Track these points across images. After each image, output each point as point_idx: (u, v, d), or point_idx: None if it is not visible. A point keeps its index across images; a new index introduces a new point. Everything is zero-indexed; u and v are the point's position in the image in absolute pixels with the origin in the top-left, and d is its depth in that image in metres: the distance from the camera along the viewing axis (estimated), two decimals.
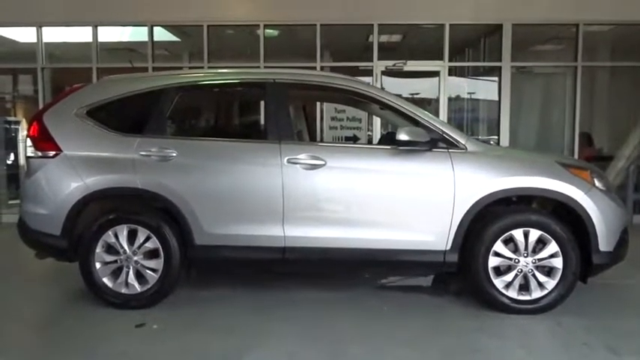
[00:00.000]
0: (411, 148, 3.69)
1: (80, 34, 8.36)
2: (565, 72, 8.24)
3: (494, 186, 3.66)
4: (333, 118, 8.24)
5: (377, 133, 8.18)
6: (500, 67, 7.96)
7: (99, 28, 8.13)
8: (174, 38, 8.93)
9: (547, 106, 8.66)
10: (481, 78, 9.08)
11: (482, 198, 3.66)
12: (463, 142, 3.78)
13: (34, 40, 8.13)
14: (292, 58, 8.87)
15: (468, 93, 9.07)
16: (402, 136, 3.64)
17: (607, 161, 8.64)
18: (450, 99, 8.24)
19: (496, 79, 8.11)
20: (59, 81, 8.32)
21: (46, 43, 8.21)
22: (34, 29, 8.10)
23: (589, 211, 3.64)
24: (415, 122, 3.83)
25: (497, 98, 8.08)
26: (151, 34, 8.10)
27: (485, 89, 8.92)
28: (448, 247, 3.71)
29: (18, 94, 9.96)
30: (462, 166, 3.69)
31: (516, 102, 8.13)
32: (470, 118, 9.22)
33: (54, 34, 8.40)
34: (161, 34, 8.44)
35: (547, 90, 8.61)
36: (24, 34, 8.35)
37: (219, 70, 4.48)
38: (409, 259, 3.78)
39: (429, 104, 8.50)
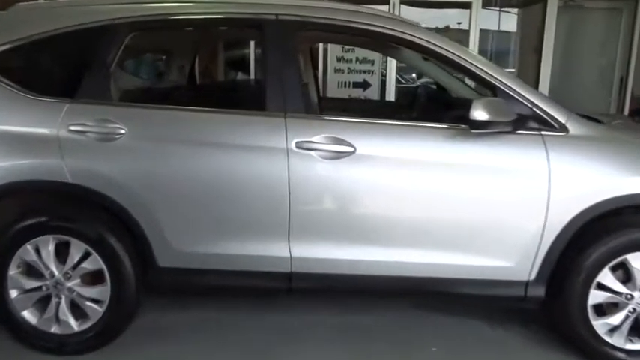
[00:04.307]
0: (489, 131, 2.42)
1: None
2: (621, 7, 6.91)
3: (614, 189, 2.45)
4: (338, 59, 6.84)
5: (391, 77, 6.83)
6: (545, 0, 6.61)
7: None
8: None
9: (596, 49, 7.35)
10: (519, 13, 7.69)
11: (593, 207, 2.45)
12: (563, 121, 2.52)
13: None
14: None
15: (503, 31, 7.70)
16: (480, 115, 2.34)
17: None
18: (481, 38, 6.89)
19: (538, 15, 6.77)
20: None
21: None
22: None
23: None
24: (490, 87, 2.55)
25: (537, 39, 6.77)
26: None
27: (523, 26, 7.54)
28: (532, 277, 2.55)
29: None
30: (561, 158, 2.46)
31: (561, 44, 6.84)
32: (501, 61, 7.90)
33: None
34: None
35: (598, 29, 7.27)
36: None
37: (196, 0, 2.99)
38: (474, 293, 2.62)
39: None
